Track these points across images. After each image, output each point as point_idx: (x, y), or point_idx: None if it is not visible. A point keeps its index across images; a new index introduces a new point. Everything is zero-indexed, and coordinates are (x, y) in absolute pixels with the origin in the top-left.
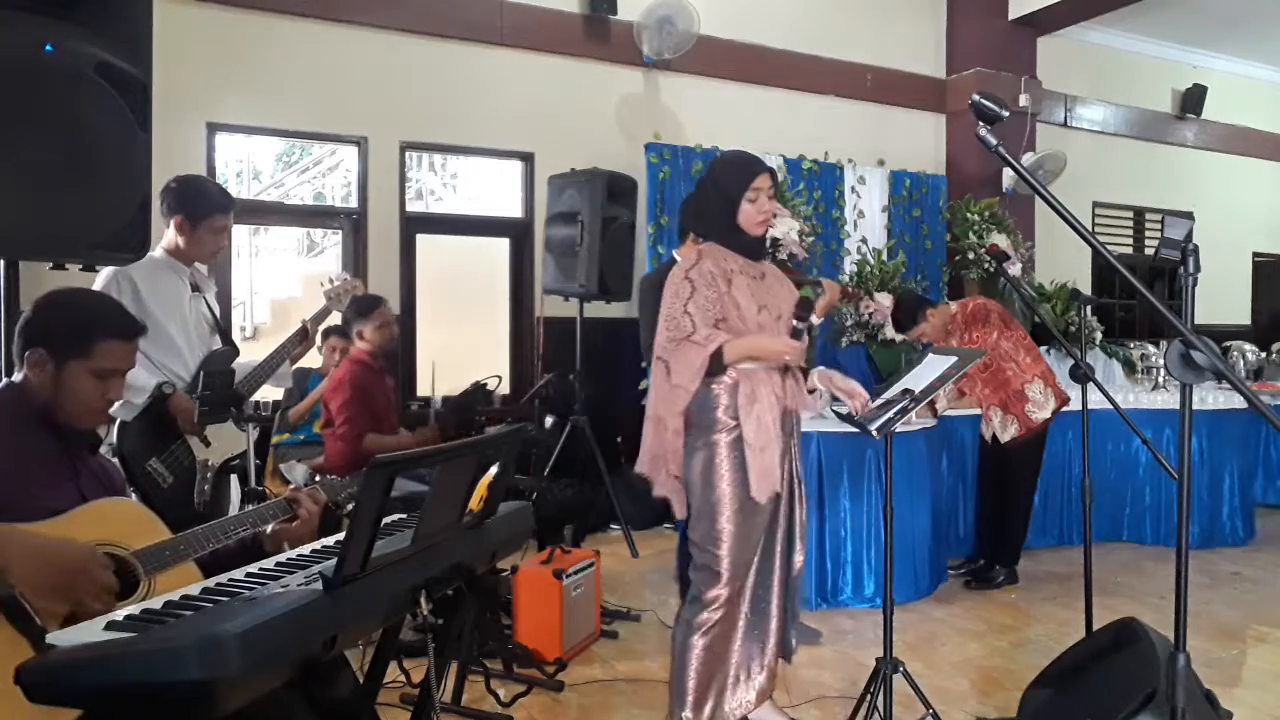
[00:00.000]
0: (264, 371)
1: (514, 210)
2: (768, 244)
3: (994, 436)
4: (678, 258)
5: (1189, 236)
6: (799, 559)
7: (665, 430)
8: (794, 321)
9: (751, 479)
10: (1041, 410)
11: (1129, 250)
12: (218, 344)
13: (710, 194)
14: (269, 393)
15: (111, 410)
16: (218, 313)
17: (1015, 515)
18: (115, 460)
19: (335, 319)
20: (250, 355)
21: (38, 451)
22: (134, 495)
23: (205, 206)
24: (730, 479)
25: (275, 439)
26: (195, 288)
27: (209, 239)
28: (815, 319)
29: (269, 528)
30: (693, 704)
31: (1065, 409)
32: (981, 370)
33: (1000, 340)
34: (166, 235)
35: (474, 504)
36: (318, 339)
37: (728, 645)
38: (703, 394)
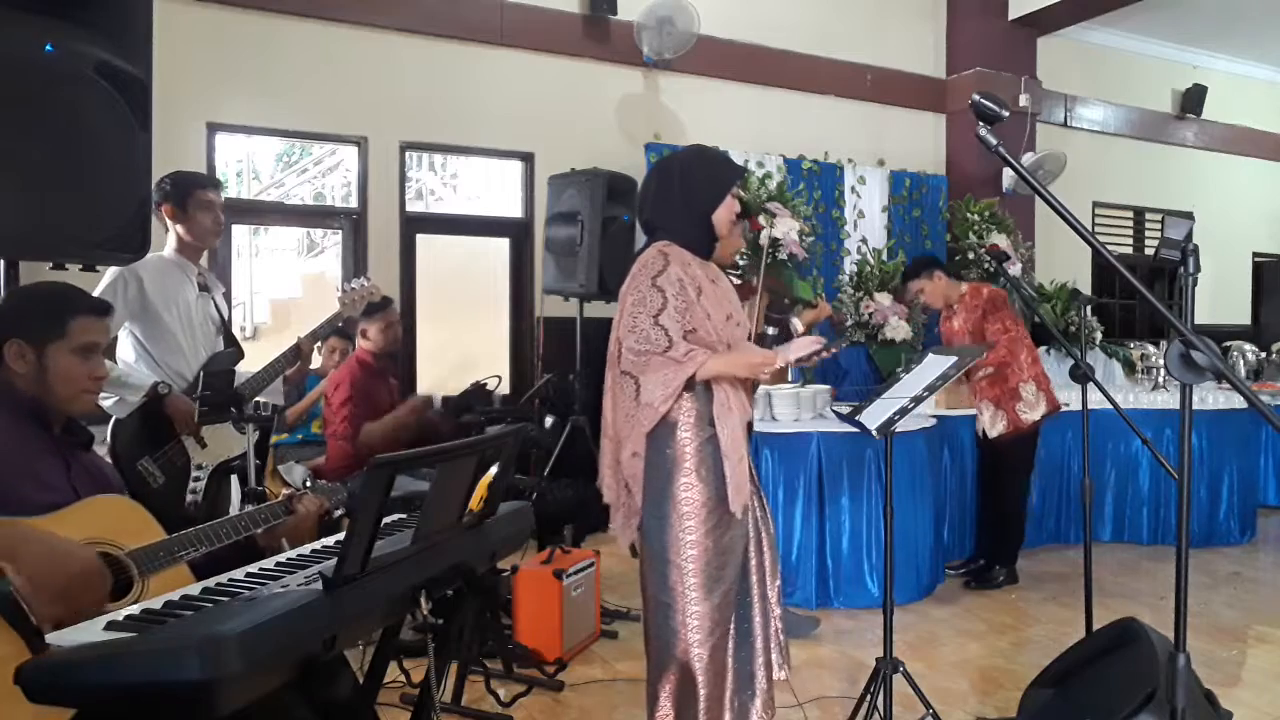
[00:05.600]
0: (256, 385)
1: (514, 210)
2: (766, 244)
3: (984, 432)
4: None
5: (1189, 236)
6: (777, 584)
7: (623, 451)
8: (767, 329)
9: (729, 490)
10: (1032, 412)
11: (1129, 250)
12: (223, 345)
13: (683, 190)
14: (266, 398)
15: (107, 407)
16: (226, 313)
17: (1010, 514)
18: (109, 459)
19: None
20: (250, 356)
21: (30, 446)
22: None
23: (186, 185)
24: (703, 490)
25: (273, 439)
26: (204, 288)
27: (202, 216)
28: (800, 327)
29: (262, 530)
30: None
31: (1066, 409)
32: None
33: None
34: (168, 236)
35: (474, 504)
36: None
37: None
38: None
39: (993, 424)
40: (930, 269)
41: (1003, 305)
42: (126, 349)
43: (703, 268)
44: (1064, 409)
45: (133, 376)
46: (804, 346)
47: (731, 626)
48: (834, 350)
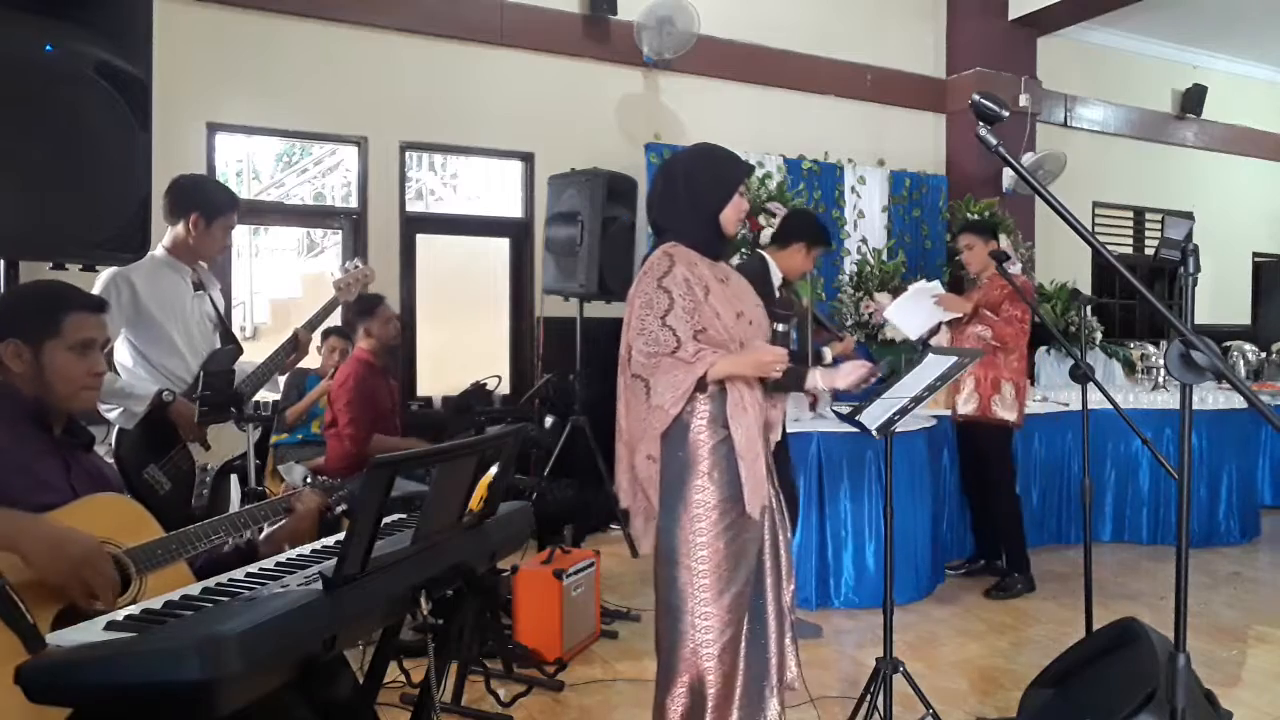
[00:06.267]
0: (257, 379)
1: (514, 210)
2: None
3: (954, 409)
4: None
5: (1189, 236)
6: (791, 586)
7: (637, 455)
8: (775, 325)
9: (745, 492)
10: (1004, 410)
11: (1129, 250)
12: (221, 343)
13: (689, 191)
14: (267, 392)
15: (112, 418)
16: (223, 310)
17: (1002, 514)
18: (112, 462)
19: (335, 319)
20: (250, 356)
21: (29, 446)
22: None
23: (221, 203)
24: (716, 493)
25: (273, 439)
26: (199, 286)
27: (221, 235)
28: (829, 358)
29: (264, 531)
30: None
31: (1064, 409)
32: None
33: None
34: (172, 233)
35: (474, 504)
36: (316, 339)
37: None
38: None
39: (965, 402)
40: (989, 234)
41: (1018, 299)
42: (124, 355)
43: (711, 268)
44: (1063, 409)
45: (137, 387)
46: (852, 372)
47: (745, 628)
48: (879, 373)
